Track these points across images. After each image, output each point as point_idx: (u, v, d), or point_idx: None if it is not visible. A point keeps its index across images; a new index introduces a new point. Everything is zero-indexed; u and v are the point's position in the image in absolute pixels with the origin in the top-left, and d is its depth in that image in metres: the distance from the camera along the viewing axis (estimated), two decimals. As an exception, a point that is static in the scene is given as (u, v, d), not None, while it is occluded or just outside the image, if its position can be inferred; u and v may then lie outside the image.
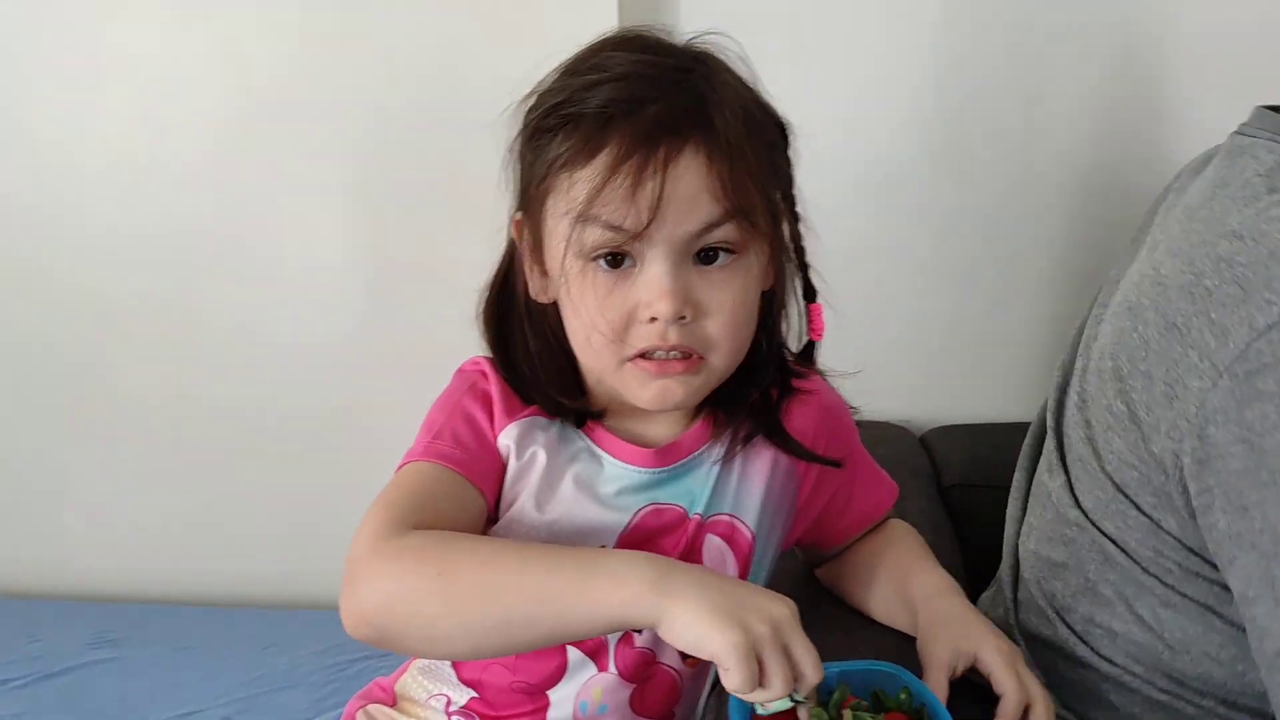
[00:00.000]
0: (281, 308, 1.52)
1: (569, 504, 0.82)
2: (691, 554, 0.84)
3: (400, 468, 0.81)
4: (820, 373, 0.89)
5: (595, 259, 0.74)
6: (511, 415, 0.83)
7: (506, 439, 0.82)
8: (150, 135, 1.48)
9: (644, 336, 0.75)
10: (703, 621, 0.63)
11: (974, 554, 1.14)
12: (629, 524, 0.83)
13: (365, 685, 1.02)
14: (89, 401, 1.58)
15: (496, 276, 0.86)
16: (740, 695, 0.64)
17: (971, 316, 1.44)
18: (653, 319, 0.74)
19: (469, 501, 0.79)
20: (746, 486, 0.87)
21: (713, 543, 0.85)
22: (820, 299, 0.85)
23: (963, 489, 1.25)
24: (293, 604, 1.59)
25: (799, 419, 0.87)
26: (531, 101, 0.78)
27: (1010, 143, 1.37)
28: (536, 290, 0.81)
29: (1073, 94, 1.35)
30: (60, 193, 1.51)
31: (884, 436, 1.31)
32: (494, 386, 0.84)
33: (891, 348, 1.40)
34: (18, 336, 1.57)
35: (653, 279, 0.73)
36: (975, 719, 0.75)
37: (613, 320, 0.75)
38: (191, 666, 1.37)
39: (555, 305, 0.81)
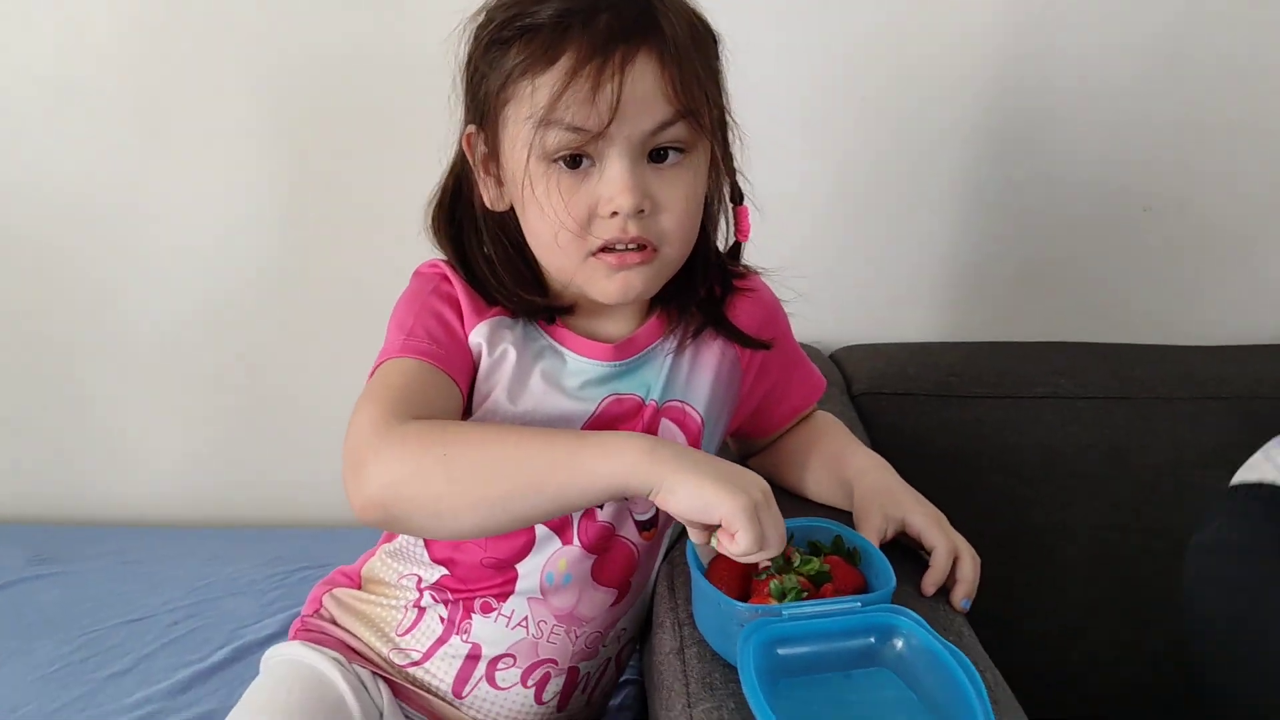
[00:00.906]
0: (202, 229, 1.52)
1: (539, 397, 0.88)
2: None
3: (377, 367, 0.84)
4: (757, 272, 0.98)
5: (556, 160, 0.79)
6: (480, 315, 0.88)
7: (478, 337, 0.87)
8: (70, 57, 1.45)
9: (606, 229, 0.80)
10: (709, 488, 0.71)
11: (882, 451, 1.24)
12: (594, 412, 0.89)
13: (323, 578, 1.07)
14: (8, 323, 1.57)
15: (446, 189, 0.90)
16: (743, 557, 0.72)
17: (873, 249, 1.53)
18: (614, 213, 0.79)
19: (450, 394, 0.84)
20: (697, 376, 0.94)
21: (667, 426, 0.92)
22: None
23: (870, 397, 1.36)
24: (229, 524, 1.61)
25: (743, 314, 0.95)
26: (481, 18, 0.82)
27: (899, 75, 1.45)
28: (492, 199, 0.86)
29: (972, 53, 1.44)
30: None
31: (798, 353, 1.40)
32: (458, 288, 0.89)
33: (802, 276, 1.49)
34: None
35: (614, 175, 0.78)
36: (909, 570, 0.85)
37: (577, 216, 0.80)
38: (134, 579, 1.38)
39: (510, 213, 0.86)
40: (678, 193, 0.82)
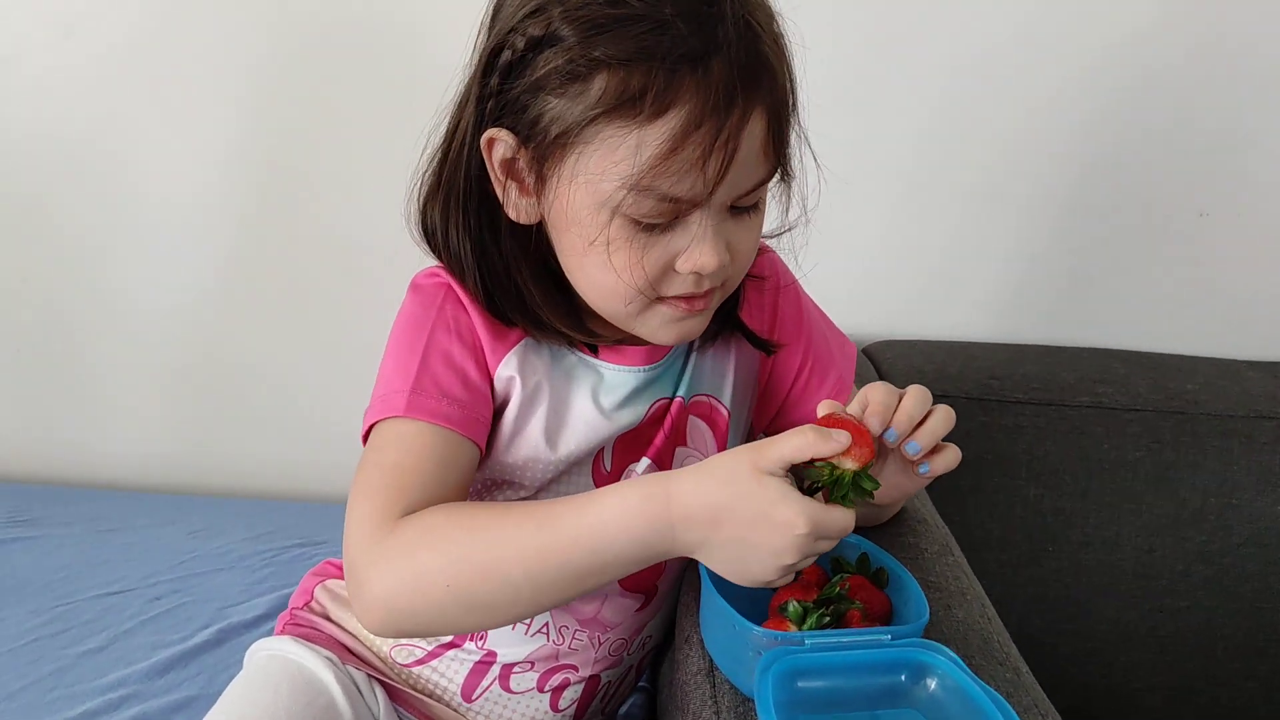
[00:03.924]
0: (196, 194, 1.45)
1: (581, 428, 0.80)
2: (676, 435, 0.84)
3: (377, 422, 0.75)
4: (768, 247, 0.88)
5: (640, 223, 0.69)
6: (504, 341, 0.78)
7: (508, 370, 0.78)
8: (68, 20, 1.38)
9: (679, 285, 0.72)
10: (747, 579, 0.66)
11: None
12: (642, 419, 0.82)
13: (314, 566, 1.01)
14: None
15: (466, 179, 0.75)
16: None
17: (918, 240, 1.45)
18: (694, 272, 0.71)
19: (460, 457, 0.75)
20: (719, 368, 0.87)
21: (695, 424, 0.86)
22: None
23: (905, 397, 1.28)
24: (218, 492, 1.55)
25: (754, 304, 0.88)
26: (545, 21, 0.66)
27: (950, 68, 1.37)
28: (519, 211, 0.74)
29: (1034, 53, 1.36)
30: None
31: (829, 345, 1.33)
32: (473, 312, 0.78)
33: (834, 265, 1.41)
34: None
35: (703, 239, 0.69)
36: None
37: (651, 274, 0.71)
38: (114, 547, 1.32)
39: (538, 225, 0.75)
40: (751, 241, 0.74)
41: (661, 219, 0.68)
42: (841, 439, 0.64)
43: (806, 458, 0.63)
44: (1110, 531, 1.31)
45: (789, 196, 0.77)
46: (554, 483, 0.81)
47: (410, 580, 0.67)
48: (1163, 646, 1.34)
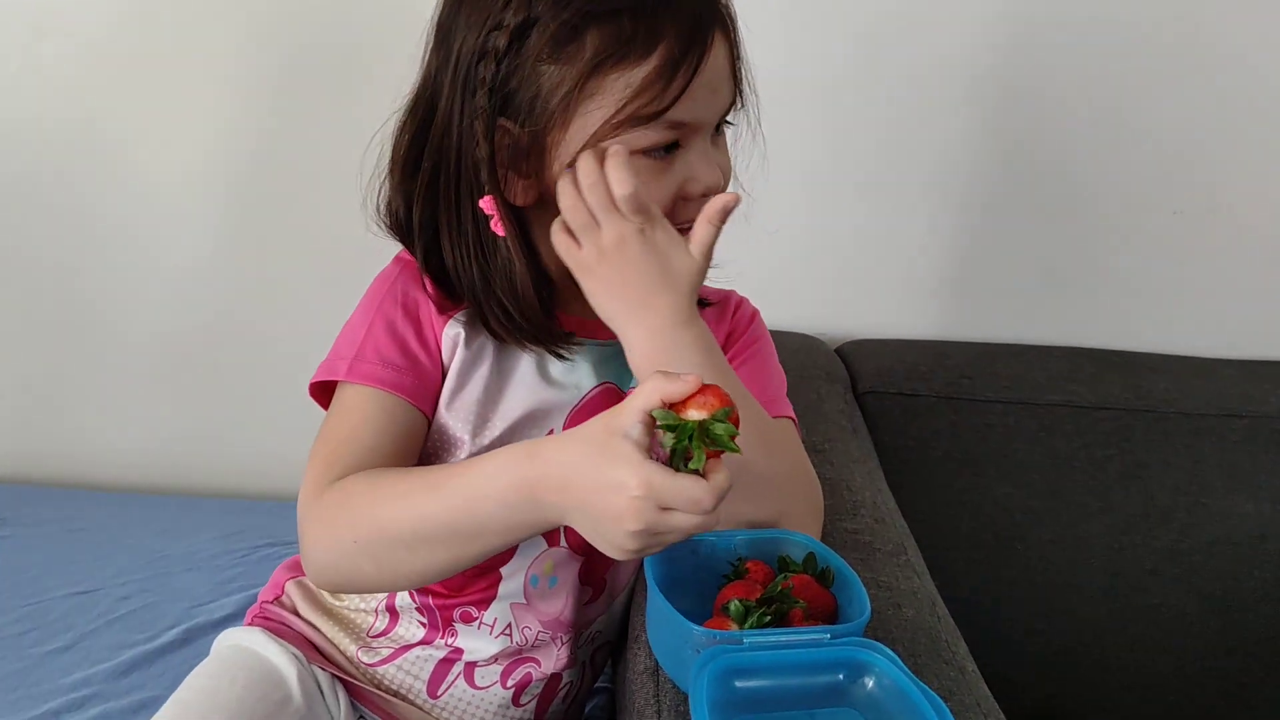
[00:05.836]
0: (164, 193, 1.45)
1: (520, 390, 0.82)
2: None
3: (321, 380, 0.80)
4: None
5: (648, 153, 0.73)
6: (455, 305, 0.81)
7: (454, 329, 0.80)
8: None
9: (689, 213, 0.76)
10: (608, 549, 0.63)
11: (885, 453, 1.18)
12: (581, 401, 0.83)
13: (286, 560, 1.00)
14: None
15: (459, 190, 0.77)
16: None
17: (887, 239, 1.45)
18: (703, 194, 0.75)
19: (396, 422, 0.78)
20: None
21: None
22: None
23: (876, 395, 1.29)
24: (188, 492, 1.55)
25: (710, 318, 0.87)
26: (512, 6, 0.71)
27: (921, 64, 1.37)
28: (520, 195, 0.76)
29: (1001, 45, 1.36)
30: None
31: (801, 346, 1.33)
32: (428, 282, 0.81)
33: (805, 264, 1.42)
34: None
35: (703, 159, 0.75)
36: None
37: (662, 202, 0.75)
38: (85, 546, 1.32)
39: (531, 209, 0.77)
40: (729, 159, 0.81)
41: (666, 144, 0.74)
42: (689, 380, 0.59)
43: (656, 401, 0.59)
44: (1080, 530, 1.31)
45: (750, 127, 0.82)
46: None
47: (328, 539, 0.72)
48: (1132, 645, 1.35)
